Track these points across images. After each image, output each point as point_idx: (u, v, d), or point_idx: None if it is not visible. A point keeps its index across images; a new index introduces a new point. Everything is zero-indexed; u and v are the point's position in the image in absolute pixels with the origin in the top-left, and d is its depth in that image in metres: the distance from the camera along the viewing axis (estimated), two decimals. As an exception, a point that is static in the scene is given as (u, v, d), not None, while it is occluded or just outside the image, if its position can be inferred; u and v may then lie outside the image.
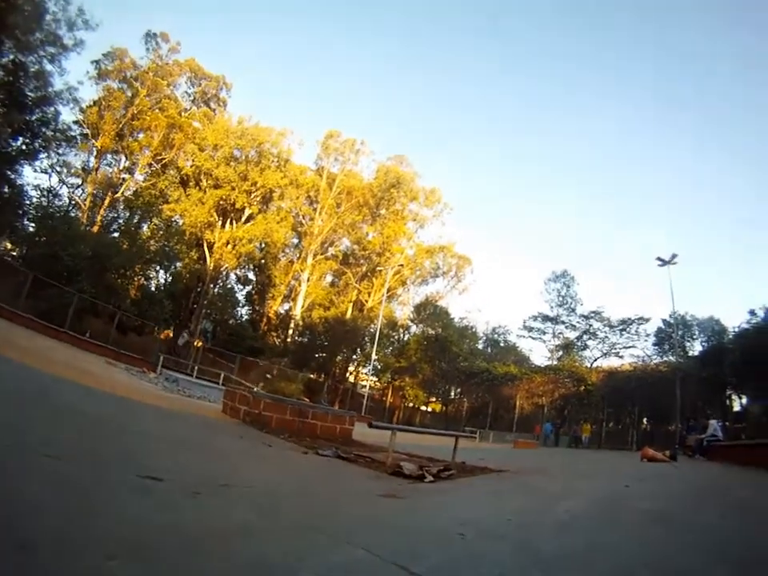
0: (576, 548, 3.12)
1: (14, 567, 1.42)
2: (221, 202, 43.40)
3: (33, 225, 32.18)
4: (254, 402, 9.08)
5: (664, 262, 37.07)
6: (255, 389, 19.05)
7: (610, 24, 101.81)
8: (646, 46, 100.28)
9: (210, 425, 7.77)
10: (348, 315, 52.44)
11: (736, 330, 42.12)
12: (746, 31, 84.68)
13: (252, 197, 44.95)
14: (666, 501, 6.27)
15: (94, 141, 39.84)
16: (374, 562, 2.29)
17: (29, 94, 30.99)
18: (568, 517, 4.29)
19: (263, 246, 48.43)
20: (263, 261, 49.28)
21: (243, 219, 45.17)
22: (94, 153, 41.02)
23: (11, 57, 28.94)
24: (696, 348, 51.50)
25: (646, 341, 54.81)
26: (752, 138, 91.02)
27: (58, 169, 39.64)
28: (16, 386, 5.86)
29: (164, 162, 44.74)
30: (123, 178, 43.13)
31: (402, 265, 53.14)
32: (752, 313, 39.42)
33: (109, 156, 43.13)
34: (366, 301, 54.73)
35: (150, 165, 44.82)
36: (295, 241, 55.23)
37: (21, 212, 32.00)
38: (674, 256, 36.71)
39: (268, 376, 35.00)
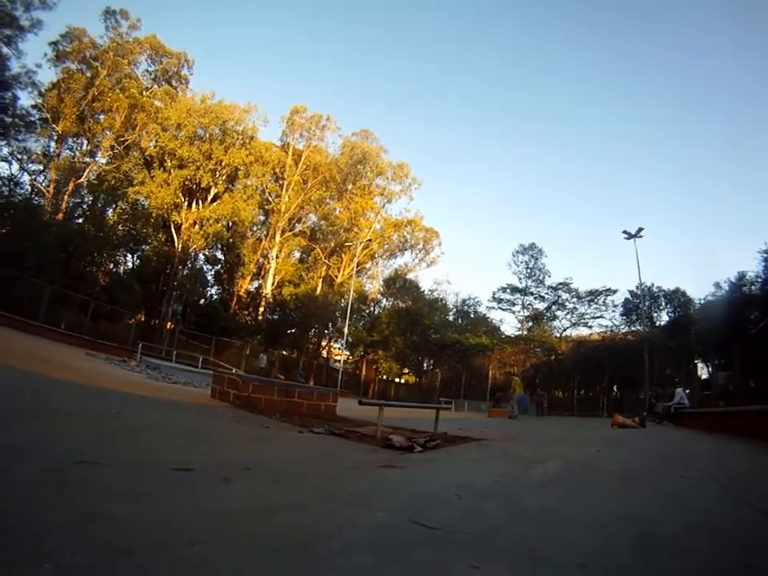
0: (555, 503, 3.64)
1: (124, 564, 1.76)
2: (186, 182, 43.02)
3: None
4: (243, 386, 9.41)
5: (630, 236, 37.69)
6: (234, 370, 19.34)
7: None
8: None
9: (207, 412, 8.05)
10: (318, 291, 52.73)
11: (701, 301, 43.09)
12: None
13: (217, 176, 44.66)
14: (634, 463, 6.83)
15: (54, 125, 39.02)
16: (395, 520, 2.75)
17: (-16, 79, 30.21)
18: (546, 478, 4.81)
19: (231, 224, 48.20)
20: (231, 240, 49.02)
21: (209, 199, 44.91)
22: (55, 138, 40.17)
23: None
24: (663, 318, 52.95)
25: (613, 311, 56.44)
26: (720, 110, 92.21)
27: (19, 156, 38.79)
28: (8, 391, 6.04)
29: (127, 143, 44.04)
30: (86, 162, 42.31)
31: (370, 240, 53.40)
32: (717, 285, 40.58)
33: (70, 140, 42.28)
34: (336, 276, 55.01)
35: (113, 147, 44.02)
36: (262, 218, 55.05)
37: (-19, 204, 31.31)
38: (639, 229, 37.33)
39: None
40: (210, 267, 54.00)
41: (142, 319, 42.93)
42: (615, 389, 49.29)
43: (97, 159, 43.85)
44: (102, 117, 43.14)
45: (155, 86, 48.69)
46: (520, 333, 58.44)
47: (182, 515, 2.44)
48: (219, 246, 51.24)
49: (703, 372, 47.29)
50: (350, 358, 56.33)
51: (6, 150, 37.09)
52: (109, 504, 2.41)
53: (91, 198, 40.97)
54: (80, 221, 38.40)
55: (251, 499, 2.99)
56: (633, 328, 51.98)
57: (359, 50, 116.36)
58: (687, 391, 25.27)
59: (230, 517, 2.52)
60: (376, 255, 60.50)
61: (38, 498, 2.31)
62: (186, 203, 44.24)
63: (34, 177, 41.06)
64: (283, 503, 2.97)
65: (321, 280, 55.57)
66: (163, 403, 8.48)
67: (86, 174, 41.31)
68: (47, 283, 25.93)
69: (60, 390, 7.39)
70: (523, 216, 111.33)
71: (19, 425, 4.01)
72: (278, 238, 52.16)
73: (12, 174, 38.75)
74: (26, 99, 37.50)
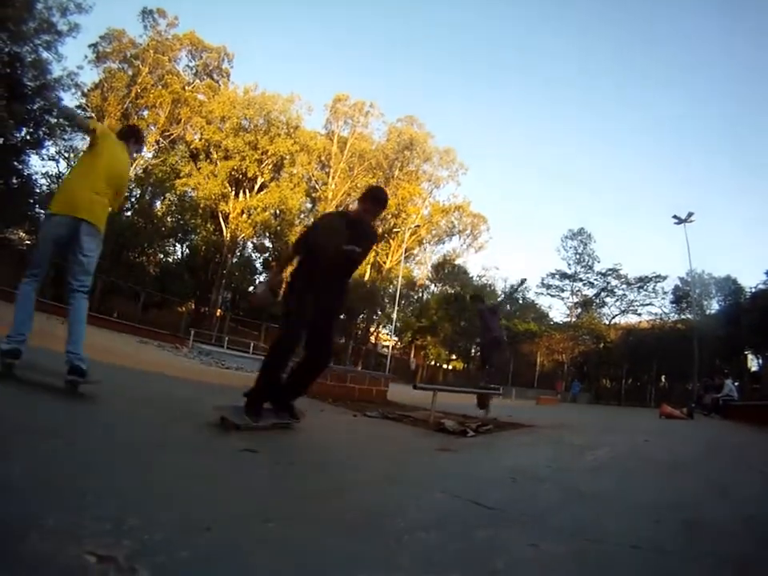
0: (607, 488, 3.72)
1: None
2: (232, 173, 43.80)
3: (44, 212, 32.64)
4: (296, 371, 9.64)
5: (680, 221, 36.78)
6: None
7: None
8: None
9: (262, 396, 8.29)
10: (366, 277, 52.81)
11: (752, 290, 41.26)
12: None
13: (263, 165, 45.19)
14: (681, 453, 6.83)
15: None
16: (454, 501, 2.85)
17: (28, 83, 31.04)
18: (597, 464, 4.89)
19: (278, 213, 48.64)
20: (279, 228, 49.46)
21: (256, 188, 45.59)
22: (101, 135, 41.26)
23: (6, 49, 28.97)
24: (713, 307, 50.82)
25: (663, 299, 54.72)
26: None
27: (66, 154, 39.84)
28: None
29: (172, 137, 45.07)
30: (132, 157, 43.47)
31: (418, 225, 53.43)
32: (768, 273, 38.70)
33: (115, 137, 43.51)
34: (384, 262, 55.06)
35: (158, 141, 45.10)
36: (310, 206, 55.33)
37: (32, 201, 32.40)
38: (690, 214, 36.37)
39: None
40: (259, 255, 54.81)
41: (193, 307, 43.91)
42: (663, 379, 48.59)
43: (143, 153, 45.01)
44: (146, 113, 44.37)
45: (197, 81, 49.54)
46: (568, 319, 57.76)
47: (253, 495, 2.57)
48: (267, 234, 51.77)
49: (753, 364, 45.56)
50: (399, 343, 56.73)
51: (53, 150, 38.20)
52: (185, 484, 2.55)
53: (139, 192, 42.10)
54: (129, 214, 39.47)
55: (315, 480, 3.11)
56: (683, 316, 50.79)
57: (397, 35, 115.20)
58: (736, 383, 24.64)
59: (298, 496, 2.65)
60: (424, 241, 60.39)
61: (117, 479, 2.41)
62: (233, 193, 45.05)
63: (81, 174, 42.19)
64: (346, 484, 3.09)
65: (369, 266, 55.75)
66: (220, 389, 8.65)
67: (133, 168, 42.35)
68: (99, 274, 26.80)
69: (122, 376, 7.52)
70: (572, 201, 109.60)
71: (92, 409, 4.19)
72: (325, 224, 52.49)
73: (60, 172, 39.95)
74: (69, 100, 38.42)
